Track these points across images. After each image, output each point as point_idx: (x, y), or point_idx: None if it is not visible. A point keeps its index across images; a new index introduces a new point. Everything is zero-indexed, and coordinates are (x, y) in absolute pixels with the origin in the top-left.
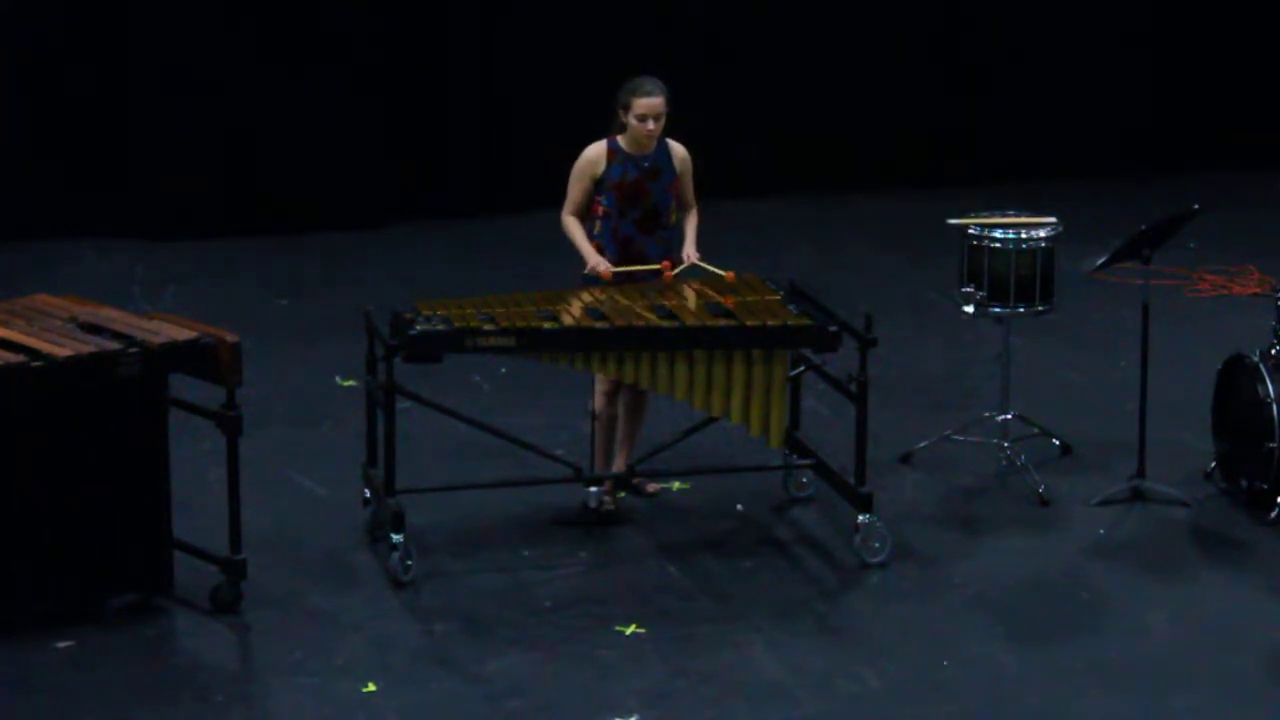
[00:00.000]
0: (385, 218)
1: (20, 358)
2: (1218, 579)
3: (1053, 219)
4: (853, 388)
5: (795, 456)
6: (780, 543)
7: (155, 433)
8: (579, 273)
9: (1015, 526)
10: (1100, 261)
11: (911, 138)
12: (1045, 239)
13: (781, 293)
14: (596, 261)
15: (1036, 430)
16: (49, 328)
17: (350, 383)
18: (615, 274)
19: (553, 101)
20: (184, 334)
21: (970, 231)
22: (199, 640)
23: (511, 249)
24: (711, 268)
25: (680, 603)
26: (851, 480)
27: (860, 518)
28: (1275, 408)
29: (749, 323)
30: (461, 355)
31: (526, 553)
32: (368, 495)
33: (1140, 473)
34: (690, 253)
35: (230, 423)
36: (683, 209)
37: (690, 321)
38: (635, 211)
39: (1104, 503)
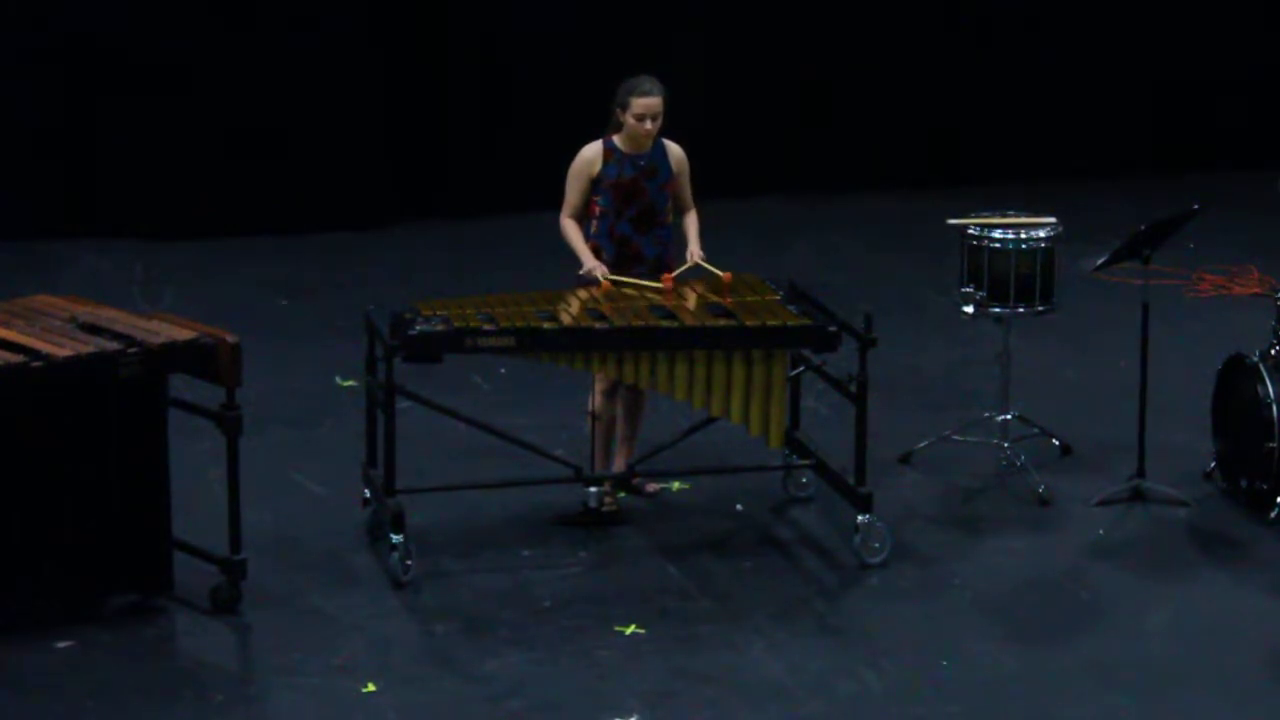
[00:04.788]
0: (385, 218)
1: (20, 358)
2: (1218, 579)
3: (1053, 219)
4: (852, 388)
5: (795, 456)
6: (780, 543)
7: (155, 433)
8: (576, 274)
9: (1015, 526)
10: (1100, 261)
11: (911, 138)
12: (1045, 239)
13: (781, 293)
14: (593, 266)
15: (1036, 430)
16: (49, 328)
17: (350, 383)
18: (612, 282)
19: (552, 102)
20: (184, 334)
21: (970, 231)
22: (199, 640)
23: (511, 249)
24: (712, 268)
25: (680, 603)
26: (851, 480)
27: (860, 518)
28: (1275, 408)
29: (749, 323)
30: (461, 355)
31: (526, 553)
32: (368, 495)
33: (1140, 473)
34: (695, 251)
35: (230, 423)
36: (681, 210)
37: (690, 321)
38: (631, 210)
39: (1104, 503)
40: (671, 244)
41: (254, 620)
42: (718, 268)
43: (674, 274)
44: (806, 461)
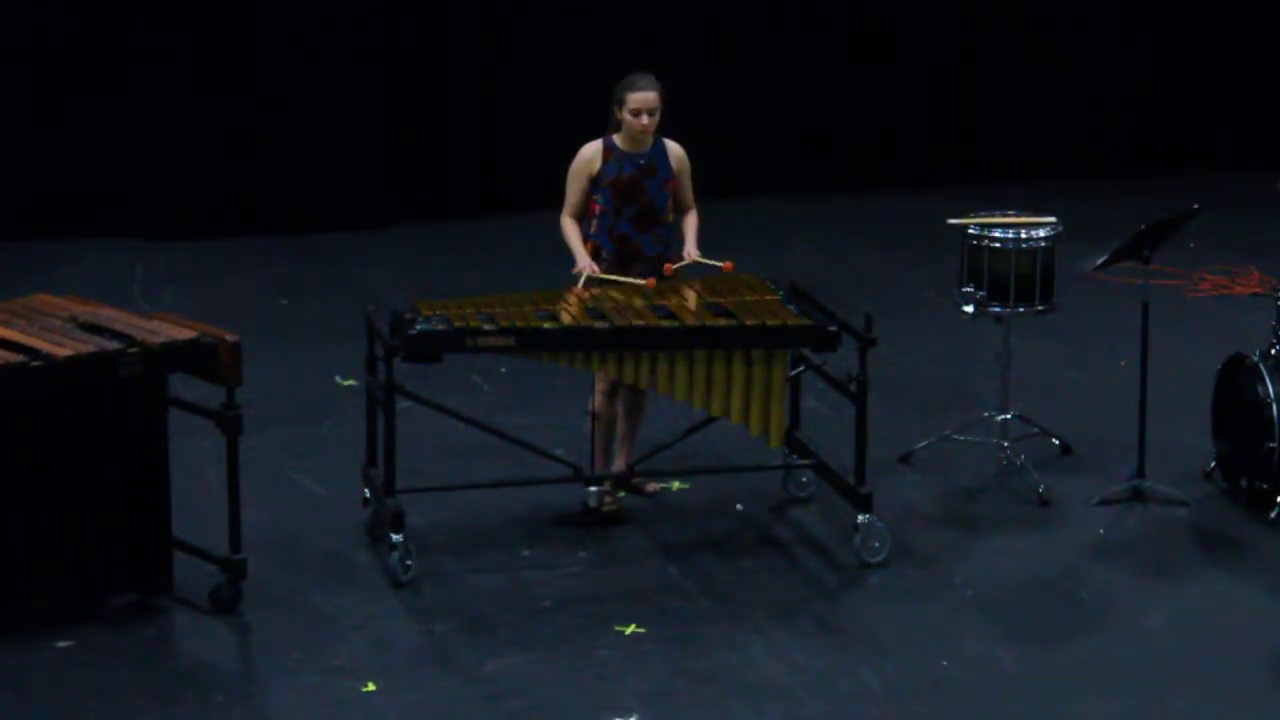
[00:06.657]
0: (385, 218)
1: (20, 358)
2: (1218, 579)
3: (1053, 219)
4: (852, 388)
5: (795, 456)
6: (780, 543)
7: (155, 433)
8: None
9: (1015, 526)
10: (1100, 261)
11: (911, 138)
12: (1045, 239)
13: (781, 293)
14: (582, 266)
15: (1036, 430)
16: (49, 328)
17: (350, 383)
18: (598, 279)
19: (552, 102)
20: (184, 334)
21: (970, 231)
22: (199, 640)
23: (511, 249)
24: (710, 261)
25: (680, 603)
26: (851, 480)
27: (860, 518)
28: (1275, 408)
29: (749, 322)
30: (461, 355)
31: (526, 553)
32: (368, 495)
33: (1140, 473)
34: (691, 250)
35: (230, 423)
36: (681, 210)
37: (690, 321)
38: (631, 209)
39: (1104, 503)
40: (673, 243)
41: (254, 620)
42: (716, 260)
43: (674, 265)
44: (806, 461)
